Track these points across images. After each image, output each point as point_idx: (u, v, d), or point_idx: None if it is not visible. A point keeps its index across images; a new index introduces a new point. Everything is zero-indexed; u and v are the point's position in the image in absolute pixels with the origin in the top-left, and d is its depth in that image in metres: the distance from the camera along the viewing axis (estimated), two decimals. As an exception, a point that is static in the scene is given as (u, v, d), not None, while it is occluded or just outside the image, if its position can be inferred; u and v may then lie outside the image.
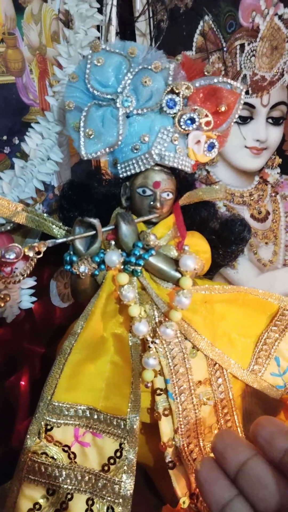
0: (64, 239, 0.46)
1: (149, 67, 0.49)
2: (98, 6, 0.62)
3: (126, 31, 0.73)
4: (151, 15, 0.72)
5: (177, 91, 0.50)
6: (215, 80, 0.52)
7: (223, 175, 0.77)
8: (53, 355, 0.57)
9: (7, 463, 0.51)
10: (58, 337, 0.59)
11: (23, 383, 0.61)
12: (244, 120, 0.72)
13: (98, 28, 0.65)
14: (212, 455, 0.32)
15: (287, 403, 0.55)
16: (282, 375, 0.56)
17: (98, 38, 0.63)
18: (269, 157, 0.73)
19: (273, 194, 0.76)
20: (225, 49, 0.71)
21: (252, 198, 0.77)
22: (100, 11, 0.64)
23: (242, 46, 0.70)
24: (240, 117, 0.71)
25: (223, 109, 0.51)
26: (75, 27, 0.60)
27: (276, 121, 0.71)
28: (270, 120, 0.71)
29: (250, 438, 0.30)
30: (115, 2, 0.67)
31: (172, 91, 0.50)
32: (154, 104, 0.50)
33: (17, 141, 0.56)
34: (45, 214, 0.52)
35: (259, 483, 0.28)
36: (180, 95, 0.50)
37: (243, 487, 0.28)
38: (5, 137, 0.55)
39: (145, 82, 0.49)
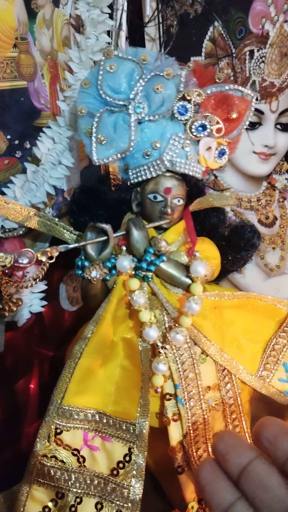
0: (76, 245, 0.47)
1: (161, 74, 0.50)
2: (109, 11, 0.63)
3: (136, 36, 0.73)
4: (160, 20, 0.73)
5: (188, 98, 0.50)
6: (226, 87, 0.52)
7: (231, 180, 0.77)
8: (62, 358, 0.58)
9: (16, 466, 0.51)
10: (67, 340, 0.59)
11: (32, 386, 0.61)
12: (252, 126, 0.72)
13: (108, 33, 0.65)
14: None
15: (294, 408, 0.56)
16: (290, 381, 0.56)
17: (109, 43, 0.63)
18: (277, 162, 0.74)
19: (281, 200, 0.76)
20: (234, 55, 0.71)
21: (259, 203, 0.77)
22: (110, 16, 0.64)
23: (251, 52, 0.70)
24: (249, 122, 0.71)
25: (234, 116, 0.52)
26: (86, 32, 0.60)
27: (284, 127, 0.72)
28: (278, 126, 0.72)
29: (254, 439, 0.30)
30: (125, 8, 0.68)
31: (183, 98, 0.50)
32: (165, 111, 0.50)
33: (28, 145, 0.57)
34: (56, 219, 0.52)
35: (262, 486, 0.27)
36: (192, 102, 0.50)
37: (246, 490, 0.28)
38: (17, 142, 0.55)
39: (157, 88, 0.49)
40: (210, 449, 0.51)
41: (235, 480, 0.28)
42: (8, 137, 0.54)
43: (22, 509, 0.49)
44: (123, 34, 0.69)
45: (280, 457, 0.27)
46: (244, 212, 0.78)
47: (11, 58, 0.53)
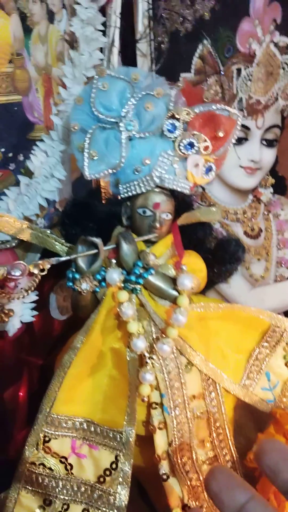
0: (68, 257, 0.48)
1: (152, 93, 0.51)
2: (103, 29, 0.64)
3: (128, 52, 0.75)
4: (152, 37, 0.75)
5: (177, 117, 0.52)
6: (214, 107, 0.54)
7: (218, 193, 0.79)
8: (51, 367, 0.59)
9: (4, 473, 0.52)
10: (56, 349, 0.60)
11: (21, 394, 0.62)
12: (239, 141, 0.74)
13: (101, 49, 0.67)
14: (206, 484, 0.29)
15: (277, 416, 0.57)
16: (272, 389, 0.58)
17: (102, 59, 0.65)
18: (263, 177, 0.76)
19: (266, 213, 0.78)
20: (222, 73, 0.73)
21: (245, 215, 0.79)
22: (103, 33, 0.66)
23: (239, 70, 0.72)
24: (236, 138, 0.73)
25: (220, 134, 0.53)
26: (80, 49, 0.62)
27: (269, 143, 0.74)
28: (264, 142, 0.74)
29: (254, 459, 0.29)
30: (118, 25, 0.70)
31: (173, 116, 0.52)
32: (155, 128, 0.52)
33: (21, 158, 0.58)
34: (48, 231, 0.53)
35: None
36: (180, 121, 0.52)
37: None
38: (10, 154, 0.56)
39: (148, 107, 0.51)
40: (194, 457, 0.52)
41: None
42: (2, 149, 0.55)
43: (10, 516, 0.50)
44: (116, 50, 0.70)
45: (282, 485, 0.27)
46: (230, 223, 0.80)
47: (7, 74, 0.55)
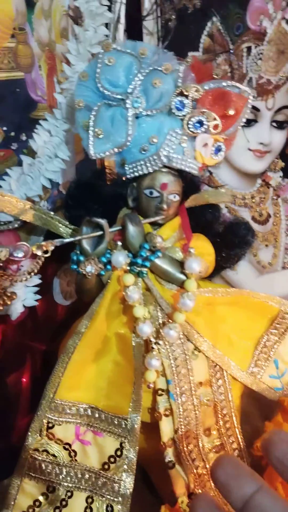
0: (72, 239, 0.46)
1: (160, 69, 0.49)
2: (108, 4, 0.62)
3: (134, 30, 0.73)
4: (159, 14, 0.72)
5: (186, 94, 0.50)
6: (224, 84, 0.52)
7: (225, 176, 0.77)
8: (55, 352, 0.57)
9: (7, 459, 0.51)
10: (60, 334, 0.59)
11: (24, 379, 0.61)
12: (248, 123, 0.72)
13: (106, 25, 0.65)
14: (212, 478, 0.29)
15: (284, 404, 0.56)
16: (280, 377, 0.57)
17: (107, 36, 0.63)
18: (272, 160, 0.74)
19: (275, 197, 0.76)
20: (232, 51, 0.71)
21: (253, 200, 0.77)
22: (109, 8, 0.64)
23: (249, 49, 0.70)
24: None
25: (231, 112, 0.51)
26: (84, 24, 0.60)
27: (280, 125, 0.72)
28: (274, 124, 0.72)
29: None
30: (124, 0, 0.67)
31: (181, 93, 0.50)
32: (163, 106, 0.50)
33: (24, 138, 0.56)
34: (51, 213, 0.52)
35: None
36: (189, 98, 0.50)
37: None
38: (12, 133, 0.55)
39: (155, 83, 0.49)
40: (200, 445, 0.51)
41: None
42: (4, 128, 0.53)
43: (12, 503, 0.49)
44: (121, 27, 0.68)
45: None
46: (238, 209, 0.78)
47: (9, 49, 0.53)
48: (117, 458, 0.49)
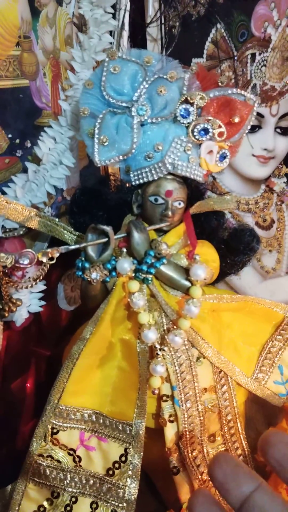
0: (77, 246, 0.47)
1: (165, 77, 0.50)
2: (113, 11, 0.62)
3: (138, 36, 0.73)
4: (163, 21, 0.73)
5: (191, 101, 0.50)
6: (229, 91, 0.52)
7: (229, 182, 0.77)
8: (59, 358, 0.58)
9: (11, 465, 0.51)
10: (64, 340, 0.60)
11: (28, 385, 0.61)
12: (252, 129, 0.72)
13: (110, 33, 0.65)
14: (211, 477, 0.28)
15: (289, 411, 0.56)
16: (285, 383, 0.57)
17: (111, 43, 0.63)
18: (276, 166, 0.74)
19: (279, 203, 0.76)
20: (236, 58, 0.71)
21: (257, 206, 0.77)
22: (113, 16, 0.64)
23: (253, 55, 0.70)
24: (249, 126, 0.71)
25: (236, 120, 0.52)
26: (89, 32, 0.60)
27: (284, 131, 0.72)
28: (278, 130, 0.72)
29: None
30: (128, 7, 0.68)
31: (186, 101, 0.50)
32: (168, 114, 0.50)
33: (29, 145, 0.56)
34: (56, 219, 0.52)
35: None
36: (194, 105, 0.50)
37: None
38: (17, 140, 0.55)
39: (160, 91, 0.49)
40: (205, 451, 0.51)
41: (237, 511, 0.26)
42: (9, 135, 0.54)
43: (17, 508, 0.49)
44: (125, 34, 0.68)
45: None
46: (242, 214, 0.79)
47: (14, 57, 0.53)
48: (122, 464, 0.49)
